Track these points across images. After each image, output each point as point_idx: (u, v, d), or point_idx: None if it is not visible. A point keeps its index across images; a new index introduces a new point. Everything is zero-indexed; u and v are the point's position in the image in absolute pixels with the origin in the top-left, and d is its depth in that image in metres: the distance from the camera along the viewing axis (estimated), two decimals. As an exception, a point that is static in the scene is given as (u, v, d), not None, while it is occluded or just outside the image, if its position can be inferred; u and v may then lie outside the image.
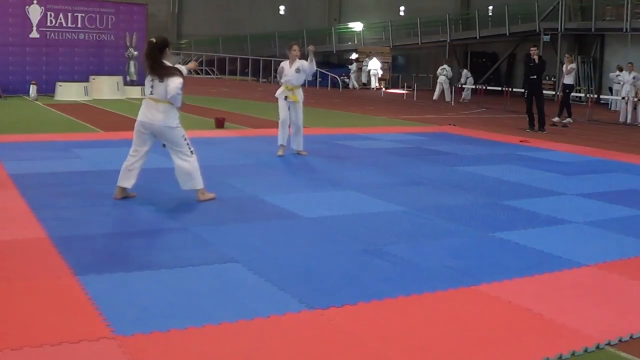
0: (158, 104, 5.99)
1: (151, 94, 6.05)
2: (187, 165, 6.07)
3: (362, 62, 31.77)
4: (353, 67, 31.79)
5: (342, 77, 30.71)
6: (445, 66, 25.03)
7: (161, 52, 6.00)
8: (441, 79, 24.76)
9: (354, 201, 6.52)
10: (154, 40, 6.02)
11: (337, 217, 5.84)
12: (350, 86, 30.72)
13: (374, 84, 30.96)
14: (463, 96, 24.04)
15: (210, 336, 3.28)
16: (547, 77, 22.67)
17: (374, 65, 31.14)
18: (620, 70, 20.21)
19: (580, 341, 3.36)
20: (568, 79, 16.52)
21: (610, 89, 22.28)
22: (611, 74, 21.10)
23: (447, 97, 24.29)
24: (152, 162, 8.40)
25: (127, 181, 6.17)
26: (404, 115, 17.07)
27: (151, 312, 3.54)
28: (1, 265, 4.25)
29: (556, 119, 16.05)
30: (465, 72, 25.73)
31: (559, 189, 7.51)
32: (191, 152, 6.10)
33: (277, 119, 9.71)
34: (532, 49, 14.56)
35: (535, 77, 14.19)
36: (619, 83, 20.14)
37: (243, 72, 33.96)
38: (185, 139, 6.10)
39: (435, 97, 24.50)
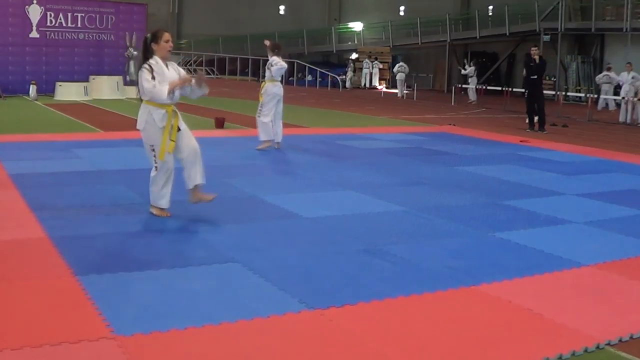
0: None
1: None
2: (151, 174, 5.65)
3: (362, 62, 31.76)
4: (349, 65, 31.66)
5: (340, 76, 30.73)
6: (402, 64, 26.63)
7: (148, 49, 5.55)
8: (400, 75, 26.06)
9: (354, 201, 6.51)
10: (147, 36, 5.64)
11: (337, 217, 5.84)
12: (348, 85, 30.70)
13: (364, 82, 31.03)
14: (470, 98, 23.82)
15: (210, 336, 3.28)
16: (547, 77, 22.64)
17: (368, 65, 31.23)
18: (609, 70, 20.21)
19: (580, 341, 3.36)
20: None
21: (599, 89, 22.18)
22: (598, 76, 21.12)
23: (400, 93, 25.68)
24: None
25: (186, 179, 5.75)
26: (404, 115, 17.07)
27: (151, 312, 3.54)
28: (1, 265, 4.25)
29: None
30: (470, 69, 25.31)
31: (559, 189, 7.51)
32: (155, 167, 5.56)
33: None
34: (532, 48, 14.54)
35: (535, 77, 14.19)
36: (609, 83, 20.17)
37: (243, 72, 33.97)
38: (153, 150, 5.54)
39: (400, 94, 25.74)
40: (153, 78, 5.41)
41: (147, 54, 5.55)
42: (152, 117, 5.50)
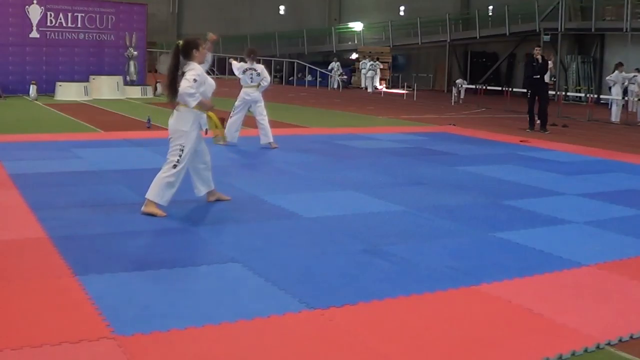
0: (178, 107, 5.76)
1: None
2: (160, 173, 5.71)
3: (360, 62, 31.68)
4: (334, 66, 31.27)
5: (342, 76, 30.65)
6: (375, 63, 29.61)
7: (185, 55, 5.70)
8: (370, 73, 29.31)
9: (354, 201, 6.51)
10: (179, 42, 5.79)
11: (337, 217, 5.84)
12: (330, 87, 30.56)
13: (364, 84, 30.93)
14: (459, 98, 23.83)
15: (210, 336, 3.28)
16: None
17: (366, 67, 31.20)
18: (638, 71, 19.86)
19: (580, 341, 3.36)
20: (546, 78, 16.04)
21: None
22: (625, 74, 20.83)
23: (370, 89, 28.80)
24: (153, 162, 8.42)
25: (209, 184, 6.09)
26: (404, 115, 17.07)
27: (151, 312, 3.54)
28: (1, 265, 4.25)
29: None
30: (460, 80, 25.26)
31: (559, 189, 7.51)
32: (174, 166, 5.67)
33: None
34: (536, 48, 14.57)
35: (538, 76, 14.19)
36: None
37: (243, 72, 33.87)
38: (181, 150, 5.67)
39: (370, 90, 28.64)
40: (195, 81, 5.59)
41: (178, 60, 5.68)
42: (197, 122, 5.75)
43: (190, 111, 5.69)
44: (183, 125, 5.70)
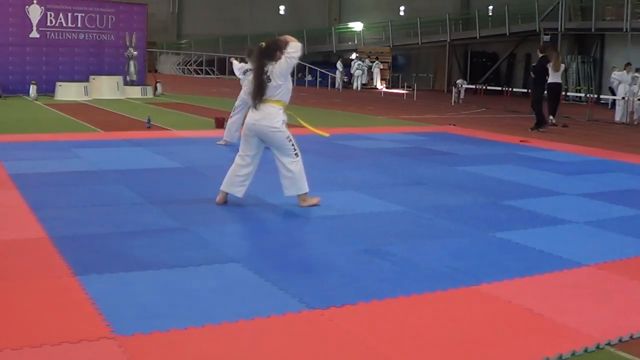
0: (265, 105, 5.82)
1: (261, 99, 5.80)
2: (291, 169, 5.96)
3: (352, 61, 31.72)
4: (339, 66, 31.40)
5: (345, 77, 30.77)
6: (361, 62, 31.02)
7: (269, 57, 5.74)
8: (358, 72, 30.60)
9: (354, 201, 6.51)
10: (262, 44, 5.81)
11: (337, 217, 5.84)
12: (337, 86, 30.64)
13: (356, 84, 30.97)
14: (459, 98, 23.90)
15: (210, 336, 3.28)
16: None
17: (354, 66, 31.33)
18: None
19: (580, 341, 3.36)
20: (554, 78, 15.95)
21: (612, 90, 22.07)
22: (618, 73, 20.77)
23: (356, 86, 30.33)
24: (153, 162, 8.42)
25: (232, 187, 6.02)
26: (404, 115, 17.08)
27: (151, 312, 3.53)
28: (1, 265, 4.25)
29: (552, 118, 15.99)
30: (460, 81, 25.32)
31: (559, 189, 7.51)
32: (296, 154, 5.94)
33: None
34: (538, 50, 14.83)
35: (533, 76, 14.35)
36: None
37: (243, 72, 33.89)
38: (290, 140, 5.91)
39: (356, 87, 30.31)
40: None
41: (263, 62, 5.74)
42: (283, 117, 5.87)
43: (279, 109, 5.81)
44: (275, 122, 5.79)
